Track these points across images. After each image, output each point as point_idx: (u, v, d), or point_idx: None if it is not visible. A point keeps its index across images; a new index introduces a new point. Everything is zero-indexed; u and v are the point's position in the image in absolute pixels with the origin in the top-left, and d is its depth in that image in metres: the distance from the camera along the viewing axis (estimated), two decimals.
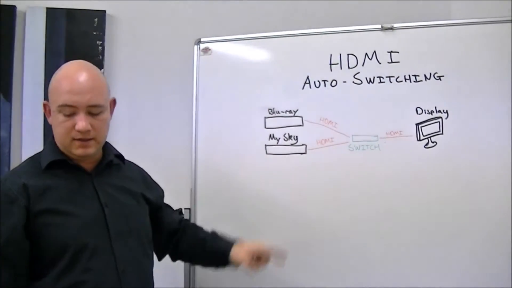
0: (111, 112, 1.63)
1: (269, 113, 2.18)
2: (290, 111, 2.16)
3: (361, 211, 2.07)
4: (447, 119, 2.03)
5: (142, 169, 1.84)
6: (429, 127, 2.04)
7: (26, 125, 2.53)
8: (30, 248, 1.48)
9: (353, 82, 2.12)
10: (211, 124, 2.25)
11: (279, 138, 2.16)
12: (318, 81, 2.15)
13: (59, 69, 1.55)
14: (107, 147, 1.66)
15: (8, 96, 2.54)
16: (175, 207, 2.13)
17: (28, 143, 2.52)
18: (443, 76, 2.05)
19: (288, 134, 2.15)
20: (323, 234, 2.11)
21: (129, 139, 2.44)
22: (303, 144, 2.14)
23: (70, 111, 1.48)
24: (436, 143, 2.03)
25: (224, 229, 2.12)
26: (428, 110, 2.05)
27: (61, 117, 1.49)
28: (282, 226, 2.14)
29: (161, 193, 1.87)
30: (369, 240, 2.06)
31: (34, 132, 2.52)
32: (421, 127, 2.04)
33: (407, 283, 2.00)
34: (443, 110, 2.04)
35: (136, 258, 1.61)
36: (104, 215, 1.56)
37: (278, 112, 2.17)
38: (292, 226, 2.13)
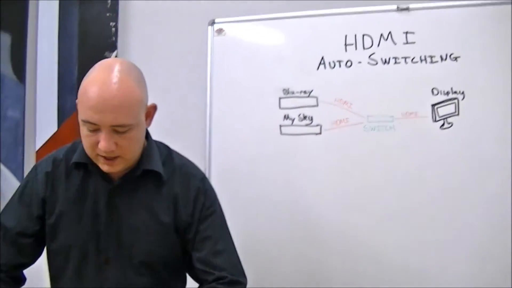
0: (152, 118, 1.48)
1: (284, 94, 2.17)
2: (304, 92, 2.15)
3: (375, 192, 2.06)
4: (463, 100, 2.01)
5: (201, 189, 1.53)
6: (445, 108, 2.02)
7: (40, 107, 2.55)
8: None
9: (368, 63, 2.10)
10: (225, 104, 2.25)
11: (294, 119, 2.15)
12: (333, 61, 2.13)
13: (92, 69, 1.37)
14: (144, 157, 1.48)
15: (21, 78, 2.55)
16: None
17: (42, 125, 2.53)
18: (459, 57, 2.03)
19: (303, 114, 2.14)
20: (337, 214, 2.10)
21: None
22: (318, 125, 2.13)
23: (93, 127, 1.33)
24: (452, 124, 2.01)
25: (238, 209, 2.13)
26: (444, 91, 2.03)
27: (85, 131, 1.35)
28: (296, 206, 2.14)
29: (193, 214, 1.51)
30: (382, 220, 2.06)
31: (48, 113, 2.53)
32: (437, 108, 2.03)
33: (415, 267, 2.02)
34: (459, 91, 2.02)
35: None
36: (99, 235, 1.46)
37: (293, 93, 2.16)
38: (306, 206, 2.13)
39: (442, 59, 2.04)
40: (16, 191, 1.52)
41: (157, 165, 1.49)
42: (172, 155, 1.57)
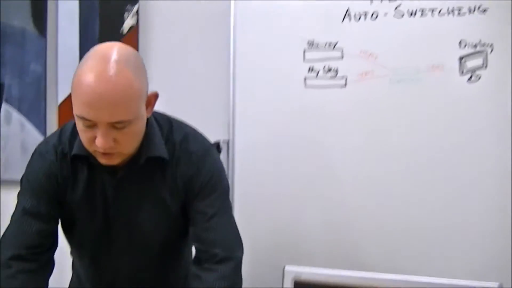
0: (153, 106, 1.38)
1: (308, 46, 2.14)
2: (329, 44, 2.12)
3: (399, 144, 2.05)
4: (492, 52, 1.97)
5: (200, 166, 1.45)
6: (472, 61, 1.99)
7: (62, 61, 2.54)
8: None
9: (394, 15, 2.06)
10: (249, 57, 2.22)
11: (319, 71, 2.13)
12: (359, 13, 2.09)
13: (86, 57, 1.26)
14: (146, 144, 1.40)
15: (43, 30, 2.54)
16: (213, 139, 2.11)
17: (64, 79, 2.53)
18: (488, 8, 1.98)
19: (328, 67, 2.12)
20: (361, 166, 2.09)
21: (166, 75, 2.42)
22: (343, 77, 2.10)
23: (89, 123, 1.24)
24: (480, 77, 1.98)
25: (261, 159, 2.16)
26: (472, 44, 1.99)
27: (80, 125, 1.27)
28: (319, 158, 2.13)
29: (191, 191, 1.46)
30: (406, 173, 2.04)
31: (70, 67, 2.50)
32: (464, 60, 1.99)
33: (435, 225, 2.01)
34: (488, 44, 1.97)
35: (144, 273, 1.54)
36: (111, 229, 1.47)
37: (318, 45, 2.13)
38: (329, 157, 2.12)
39: (470, 11, 2.00)
40: (27, 181, 1.46)
41: (160, 150, 1.42)
42: (173, 129, 1.47)
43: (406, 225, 2.04)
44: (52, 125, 2.55)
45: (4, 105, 2.59)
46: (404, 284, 1.26)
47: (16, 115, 2.58)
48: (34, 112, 2.57)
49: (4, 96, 2.59)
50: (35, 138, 2.53)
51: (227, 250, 1.43)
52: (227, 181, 1.53)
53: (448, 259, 1.99)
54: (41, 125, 2.56)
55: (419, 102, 2.03)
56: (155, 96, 1.38)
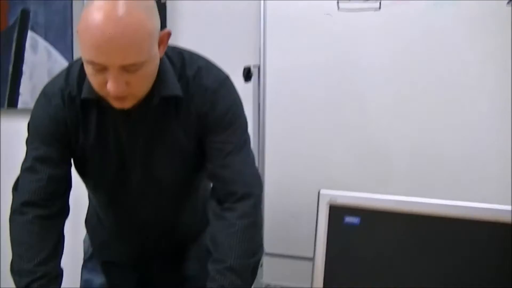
0: (165, 44, 1.31)
1: None
2: None
3: (436, 69, 2.00)
4: None
5: (214, 101, 1.40)
6: None
7: None
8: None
9: None
10: None
11: None
12: None
13: None
14: (159, 82, 1.34)
15: None
16: (243, 64, 2.10)
17: None
18: None
19: None
20: (394, 91, 2.06)
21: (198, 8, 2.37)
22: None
23: (100, 67, 1.18)
24: None
25: (292, 84, 2.13)
26: None
27: (90, 69, 1.21)
28: (351, 82, 2.09)
29: (207, 127, 1.41)
30: (440, 98, 2.01)
31: None
32: None
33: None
34: None
35: (161, 210, 1.55)
36: (126, 171, 1.44)
37: None
38: (362, 82, 2.08)
39: None
40: (33, 127, 1.43)
41: (174, 88, 1.36)
42: (185, 64, 1.41)
43: (437, 149, 2.03)
44: (79, 53, 2.54)
45: (30, 33, 2.58)
46: (433, 207, 1.26)
47: (42, 43, 2.57)
48: (61, 40, 2.56)
49: (30, 24, 2.57)
50: (62, 65, 2.52)
51: (246, 187, 1.40)
52: (245, 115, 1.47)
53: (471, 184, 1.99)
54: (68, 53, 2.56)
55: (456, 26, 1.97)
56: (168, 34, 1.31)
